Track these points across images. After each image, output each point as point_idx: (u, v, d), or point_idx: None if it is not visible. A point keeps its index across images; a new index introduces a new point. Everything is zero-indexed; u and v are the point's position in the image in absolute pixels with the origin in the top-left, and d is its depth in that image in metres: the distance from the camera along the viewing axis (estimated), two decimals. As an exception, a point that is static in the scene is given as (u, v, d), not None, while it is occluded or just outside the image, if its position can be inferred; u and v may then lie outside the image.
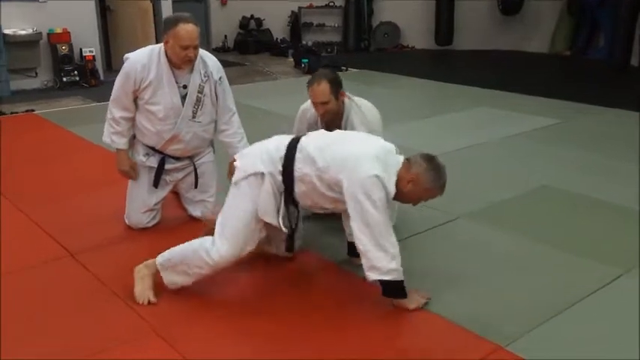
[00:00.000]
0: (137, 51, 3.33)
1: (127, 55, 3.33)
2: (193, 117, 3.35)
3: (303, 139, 2.76)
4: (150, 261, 2.84)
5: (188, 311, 2.73)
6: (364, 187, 2.48)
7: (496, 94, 7.42)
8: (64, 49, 7.85)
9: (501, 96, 7.34)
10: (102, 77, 8.17)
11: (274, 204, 2.70)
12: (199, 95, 3.32)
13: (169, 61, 3.23)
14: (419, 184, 2.55)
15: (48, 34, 7.81)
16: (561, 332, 2.60)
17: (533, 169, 4.68)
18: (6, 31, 7.44)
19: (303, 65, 9.16)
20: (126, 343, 2.50)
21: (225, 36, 11.01)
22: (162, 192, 3.54)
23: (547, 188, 4.28)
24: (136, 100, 3.32)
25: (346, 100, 3.30)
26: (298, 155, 2.67)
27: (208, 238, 2.75)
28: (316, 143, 2.70)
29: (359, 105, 3.33)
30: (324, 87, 3.15)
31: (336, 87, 3.20)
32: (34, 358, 2.38)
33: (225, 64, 9.22)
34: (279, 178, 2.69)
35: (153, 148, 3.44)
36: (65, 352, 2.42)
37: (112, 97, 3.36)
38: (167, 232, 3.50)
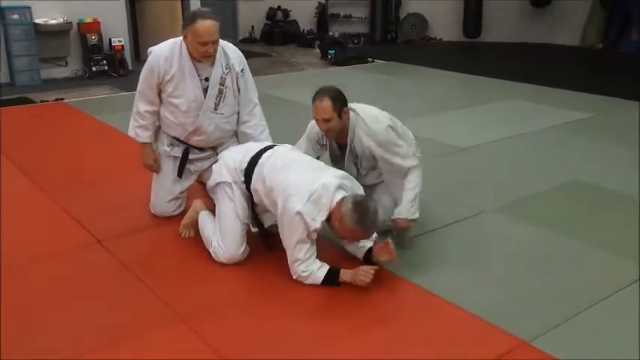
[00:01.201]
0: (160, 44, 3.33)
1: (150, 49, 3.34)
2: (215, 109, 3.35)
3: (264, 156, 3.01)
4: (199, 206, 3.27)
5: (213, 298, 2.75)
6: (287, 219, 2.77)
7: (526, 87, 7.31)
8: (93, 38, 7.95)
9: (531, 89, 7.23)
10: (130, 67, 8.25)
11: (246, 206, 3.04)
12: (221, 87, 3.32)
13: (190, 54, 3.24)
14: (343, 223, 2.73)
15: (78, 24, 7.91)
16: (588, 329, 2.57)
17: (563, 164, 4.60)
18: (37, 21, 7.55)
19: (329, 56, 9.13)
20: (150, 328, 2.53)
21: (252, 27, 11.02)
22: (187, 181, 3.56)
23: (577, 183, 4.21)
24: (160, 93, 3.34)
25: (352, 114, 3.19)
26: (256, 170, 2.97)
27: (217, 236, 3.05)
28: (272, 163, 2.96)
29: (364, 118, 3.20)
30: (326, 104, 3.06)
31: (340, 104, 3.09)
32: (60, 342, 2.43)
33: (251, 54, 9.15)
34: (243, 186, 3.02)
35: (177, 139, 3.46)
36: (91, 336, 2.46)
37: (137, 91, 3.39)
38: (192, 221, 3.53)
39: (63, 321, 2.58)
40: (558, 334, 2.52)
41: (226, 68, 3.32)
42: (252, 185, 2.98)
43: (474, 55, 10.36)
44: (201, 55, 3.19)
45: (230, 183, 3.02)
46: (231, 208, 3.01)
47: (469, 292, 2.80)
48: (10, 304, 2.68)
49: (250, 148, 3.12)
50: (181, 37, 3.25)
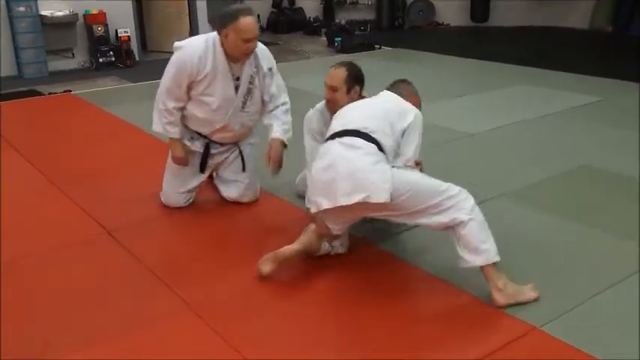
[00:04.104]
0: (190, 41, 3.27)
1: (178, 44, 3.26)
2: (243, 108, 3.34)
3: None
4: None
5: (223, 289, 2.76)
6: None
7: (534, 72, 7.25)
8: (99, 29, 7.95)
9: (540, 73, 7.17)
10: (137, 57, 8.24)
11: None
12: (250, 87, 3.29)
13: (225, 53, 3.18)
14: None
15: (84, 15, 7.91)
16: (598, 314, 2.56)
17: (572, 149, 4.57)
18: (43, 13, 7.56)
19: (336, 44, 9.08)
20: (162, 319, 2.54)
21: (258, 15, 10.95)
22: (203, 176, 3.55)
23: (586, 168, 4.18)
24: (188, 90, 3.27)
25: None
26: None
27: None
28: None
29: None
30: (339, 72, 3.06)
31: (353, 80, 3.07)
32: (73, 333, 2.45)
33: (258, 43, 8.83)
34: None
35: (199, 133, 3.43)
36: (102, 327, 2.48)
37: (164, 88, 3.27)
38: (201, 211, 3.55)
39: (74, 311, 2.59)
40: (568, 319, 2.51)
41: (255, 67, 3.29)
42: None
43: (482, 40, 10.28)
44: (243, 52, 3.15)
45: None
46: None
47: (479, 278, 2.79)
48: (21, 296, 2.71)
49: None
50: (213, 35, 3.20)
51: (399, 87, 3.02)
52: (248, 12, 3.09)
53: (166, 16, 8.81)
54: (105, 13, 7.95)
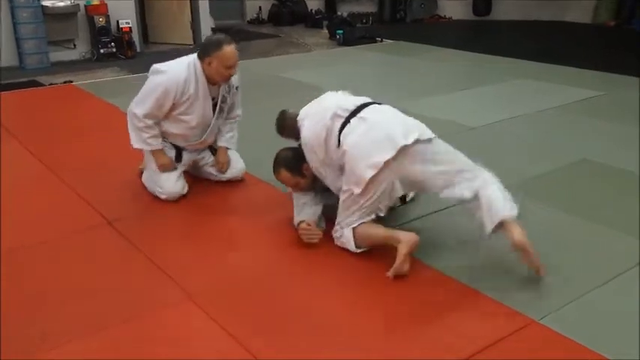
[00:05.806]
0: (171, 65, 3.42)
1: (158, 68, 3.41)
2: (216, 122, 3.61)
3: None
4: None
5: (222, 278, 2.77)
6: None
7: (536, 66, 7.24)
8: (101, 20, 7.93)
9: (542, 67, 7.16)
10: (138, 49, 8.22)
11: None
12: (222, 105, 3.56)
13: (207, 76, 3.38)
14: None
15: (85, 6, 7.89)
16: (597, 307, 2.56)
17: (573, 142, 4.57)
18: (45, 3, 7.54)
19: (337, 36, 9.06)
20: (160, 307, 2.55)
21: (260, 7, 10.95)
22: (183, 167, 3.71)
23: (587, 162, 4.18)
24: (169, 111, 3.44)
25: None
26: None
27: None
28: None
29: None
30: (284, 175, 3.13)
31: (297, 167, 3.07)
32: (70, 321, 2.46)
33: (259, 36, 9.05)
34: None
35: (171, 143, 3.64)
36: (102, 315, 2.49)
37: (143, 111, 3.40)
38: (199, 202, 3.56)
39: (74, 301, 2.60)
40: (567, 312, 2.52)
41: (228, 87, 3.53)
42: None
43: (484, 33, 10.25)
44: (225, 78, 3.38)
45: None
46: None
47: (478, 272, 2.80)
48: (21, 285, 2.72)
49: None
50: (192, 60, 3.39)
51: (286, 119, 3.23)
52: (230, 41, 3.32)
53: (168, 8, 8.79)
54: (106, 4, 7.94)
